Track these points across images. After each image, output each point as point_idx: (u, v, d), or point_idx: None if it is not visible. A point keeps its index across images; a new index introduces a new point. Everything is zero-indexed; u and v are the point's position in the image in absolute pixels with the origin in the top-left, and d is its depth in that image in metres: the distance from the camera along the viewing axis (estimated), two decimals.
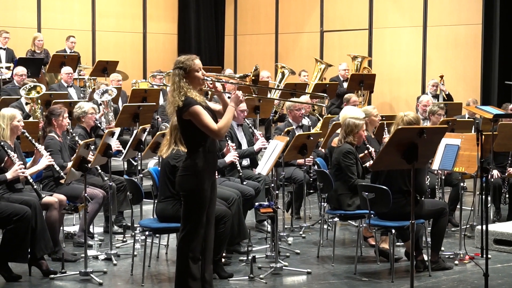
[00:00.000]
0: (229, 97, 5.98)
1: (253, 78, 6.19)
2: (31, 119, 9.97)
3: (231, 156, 8.12)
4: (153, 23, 17.74)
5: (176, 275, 6.00)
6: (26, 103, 10.58)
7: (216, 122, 5.85)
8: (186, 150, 6.63)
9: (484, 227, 6.04)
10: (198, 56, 6.06)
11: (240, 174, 8.18)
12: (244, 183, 8.14)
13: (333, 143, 8.59)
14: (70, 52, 14.48)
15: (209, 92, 6.40)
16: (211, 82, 5.98)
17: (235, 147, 8.30)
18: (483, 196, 6.67)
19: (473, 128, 10.56)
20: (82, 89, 13.62)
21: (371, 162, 8.19)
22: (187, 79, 5.82)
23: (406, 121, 7.19)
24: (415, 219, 5.91)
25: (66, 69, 12.75)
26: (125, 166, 10.41)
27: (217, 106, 6.07)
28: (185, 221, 5.91)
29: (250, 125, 8.93)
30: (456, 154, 7.46)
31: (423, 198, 7.35)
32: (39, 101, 10.45)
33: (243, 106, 8.50)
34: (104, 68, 13.95)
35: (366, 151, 8.22)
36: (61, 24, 16.05)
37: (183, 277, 5.90)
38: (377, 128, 9.33)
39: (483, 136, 6.19)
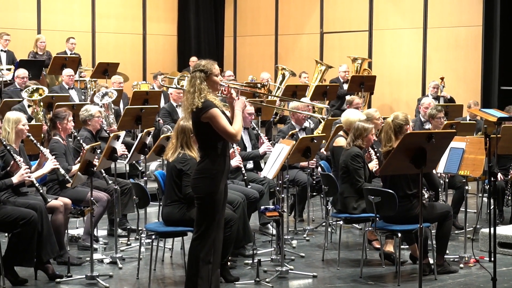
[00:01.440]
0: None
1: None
2: (33, 122, 9.97)
3: (236, 161, 8.14)
4: (152, 25, 17.74)
5: (187, 277, 6.03)
6: (29, 106, 10.58)
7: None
8: (192, 154, 6.69)
9: (491, 230, 6.05)
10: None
11: (245, 177, 8.18)
12: (249, 186, 8.15)
13: (335, 143, 8.60)
14: (70, 54, 14.47)
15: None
16: (226, 88, 5.99)
17: (239, 149, 8.31)
18: (490, 200, 6.67)
19: (475, 130, 10.58)
20: (83, 91, 13.61)
21: (373, 163, 8.20)
22: (207, 82, 5.86)
23: (396, 125, 7.21)
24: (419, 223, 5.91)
25: (67, 71, 12.73)
26: (127, 168, 10.41)
27: (227, 113, 6.09)
28: (199, 223, 5.93)
29: (256, 128, 8.95)
30: (461, 157, 7.47)
31: (436, 196, 7.36)
32: (41, 103, 10.45)
33: (251, 110, 8.53)
34: (105, 70, 13.93)
35: (367, 152, 8.24)
36: (61, 26, 16.03)
37: (194, 279, 5.91)
38: (379, 131, 9.33)
39: (489, 140, 6.20)
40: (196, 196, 5.94)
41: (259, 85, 6.27)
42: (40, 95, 10.44)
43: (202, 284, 5.92)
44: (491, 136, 6.74)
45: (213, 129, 5.80)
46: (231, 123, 5.91)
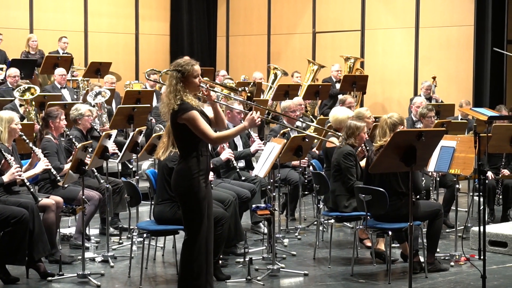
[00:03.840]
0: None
1: (248, 94, 6.20)
2: (25, 121, 9.97)
3: (227, 153, 8.14)
4: (145, 24, 17.74)
5: (179, 278, 6.02)
6: (20, 105, 10.58)
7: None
8: None
9: (481, 229, 6.08)
10: (191, 57, 6.07)
11: (237, 170, 8.19)
12: (243, 178, 8.16)
13: (327, 144, 8.62)
14: (62, 53, 14.46)
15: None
16: (206, 89, 5.95)
17: (228, 145, 8.33)
18: (480, 198, 6.70)
19: (466, 129, 10.62)
20: (75, 90, 13.61)
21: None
22: (183, 83, 5.82)
23: (391, 123, 7.24)
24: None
25: (60, 71, 12.73)
26: (119, 167, 10.41)
27: (210, 113, 6.05)
28: (186, 225, 5.92)
29: None
30: (451, 156, 7.50)
31: (417, 198, 7.40)
32: (33, 102, 10.46)
33: (240, 108, 8.54)
34: (97, 70, 13.94)
35: (360, 148, 8.27)
36: (53, 25, 16.02)
37: (186, 280, 5.92)
38: (371, 130, 9.36)
39: (479, 139, 6.23)
40: (178, 198, 5.95)
41: (240, 89, 6.23)
42: (32, 94, 10.44)
43: (195, 284, 5.92)
44: (481, 134, 6.78)
45: (190, 130, 5.75)
46: (210, 124, 5.89)
